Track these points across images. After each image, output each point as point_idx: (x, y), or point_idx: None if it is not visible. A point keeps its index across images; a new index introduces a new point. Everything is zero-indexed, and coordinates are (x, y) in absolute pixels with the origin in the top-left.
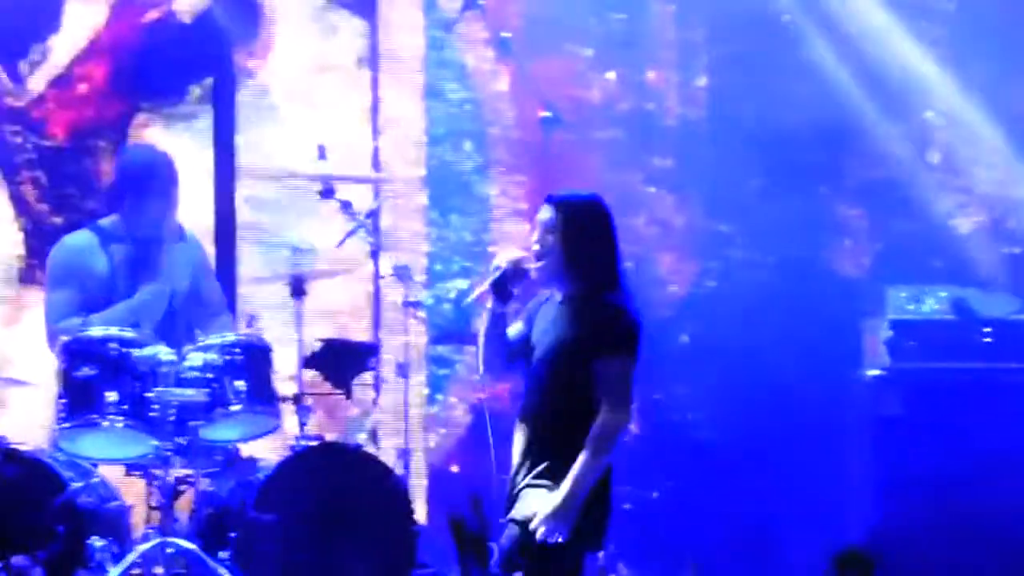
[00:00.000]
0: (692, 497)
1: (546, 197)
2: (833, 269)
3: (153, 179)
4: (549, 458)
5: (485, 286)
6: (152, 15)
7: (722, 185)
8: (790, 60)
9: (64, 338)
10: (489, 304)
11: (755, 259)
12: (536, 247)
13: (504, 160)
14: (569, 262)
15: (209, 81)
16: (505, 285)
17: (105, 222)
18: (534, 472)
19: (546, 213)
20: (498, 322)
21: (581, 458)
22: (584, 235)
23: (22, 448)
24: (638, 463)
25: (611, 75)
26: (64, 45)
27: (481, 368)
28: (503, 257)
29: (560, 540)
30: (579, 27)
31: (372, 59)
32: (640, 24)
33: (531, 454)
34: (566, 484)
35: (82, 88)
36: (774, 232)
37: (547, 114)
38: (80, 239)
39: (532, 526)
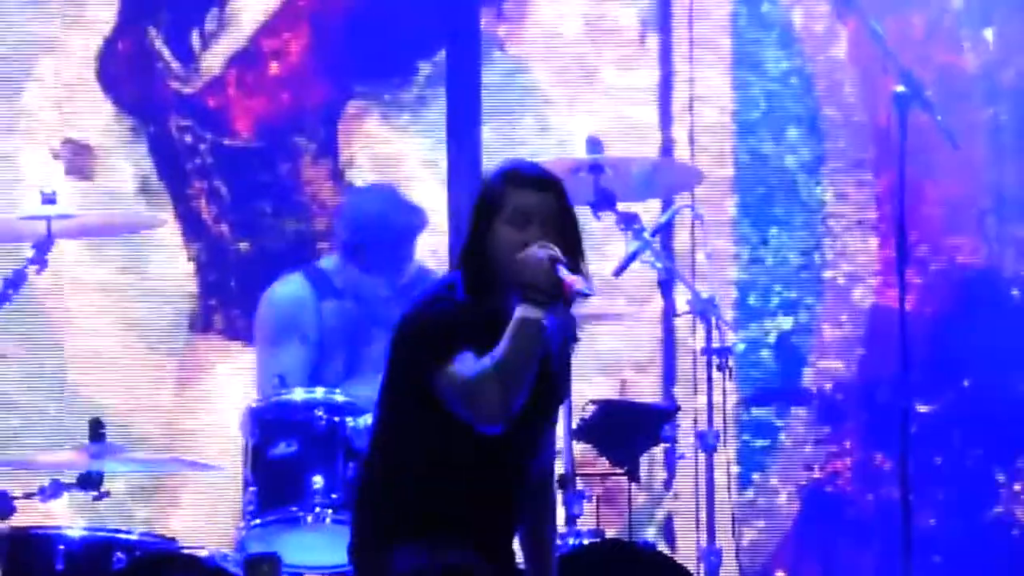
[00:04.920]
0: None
1: (503, 174)
2: None
3: (393, 237)
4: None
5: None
6: None
7: None
8: None
9: (253, 404)
10: (542, 316)
11: None
12: (544, 245)
13: (843, 152)
14: (579, 260)
15: (443, 55)
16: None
17: (327, 264)
18: None
19: (535, 197)
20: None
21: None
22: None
23: (199, 555)
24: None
25: (988, 33)
26: (249, 9)
27: (511, 405)
28: (546, 255)
29: None
30: None
31: (663, 20)
32: None
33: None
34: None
35: (274, 67)
36: None
37: (901, 88)
38: (293, 289)
39: None
